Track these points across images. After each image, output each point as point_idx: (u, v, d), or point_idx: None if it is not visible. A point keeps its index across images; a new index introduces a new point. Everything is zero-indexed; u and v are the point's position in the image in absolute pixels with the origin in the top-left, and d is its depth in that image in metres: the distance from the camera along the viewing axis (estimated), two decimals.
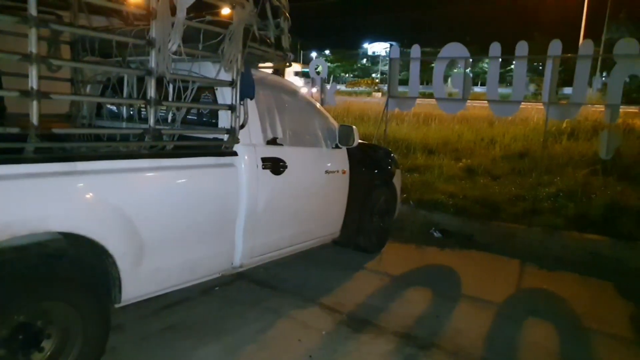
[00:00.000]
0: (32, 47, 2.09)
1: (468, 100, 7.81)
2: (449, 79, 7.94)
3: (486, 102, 7.40)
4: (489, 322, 3.57)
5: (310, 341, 3.13)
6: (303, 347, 3.05)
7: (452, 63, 7.83)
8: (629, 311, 3.95)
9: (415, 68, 7.96)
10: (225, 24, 2.94)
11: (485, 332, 3.40)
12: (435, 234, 5.67)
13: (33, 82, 2.11)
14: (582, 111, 8.61)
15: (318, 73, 9.01)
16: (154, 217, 2.69)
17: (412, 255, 5.04)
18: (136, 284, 2.66)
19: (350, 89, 43.14)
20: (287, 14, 3.48)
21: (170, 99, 3.03)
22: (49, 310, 2.31)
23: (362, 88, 40.17)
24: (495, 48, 7.16)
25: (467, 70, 7.81)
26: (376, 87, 41.83)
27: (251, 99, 3.22)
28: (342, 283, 4.12)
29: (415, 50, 7.93)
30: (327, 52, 59.53)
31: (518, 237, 5.45)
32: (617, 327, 3.63)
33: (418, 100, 9.63)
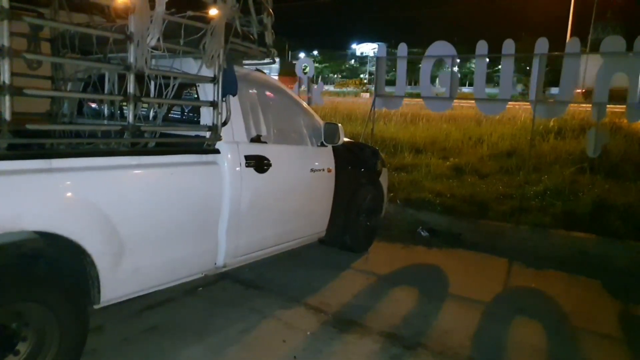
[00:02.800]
0: (4, 40, 2.02)
1: (455, 100, 7.82)
2: (437, 79, 7.96)
3: (474, 101, 7.41)
4: (476, 321, 3.55)
5: (295, 342, 3.08)
6: (287, 347, 3.00)
7: (439, 63, 7.82)
8: (616, 309, 3.97)
9: (402, 67, 7.96)
10: (206, 20, 2.88)
11: (472, 332, 3.38)
12: (422, 233, 5.65)
13: (5, 77, 2.04)
14: (570, 109, 8.67)
15: (305, 73, 8.97)
16: (133, 215, 2.63)
17: (399, 255, 5.01)
18: (116, 284, 2.59)
19: (338, 89, 43.18)
20: (271, 10, 3.43)
21: (151, 95, 2.98)
22: (24, 312, 2.24)
23: (350, 88, 40.21)
24: (482, 46, 7.18)
25: (455, 69, 7.80)
26: (364, 88, 41.90)
27: (233, 95, 3.16)
28: (328, 283, 4.08)
29: (402, 49, 7.93)
30: (315, 52, 59.54)
31: (506, 235, 5.45)
32: (604, 325, 3.63)
33: (406, 100, 9.63)
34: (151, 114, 3.21)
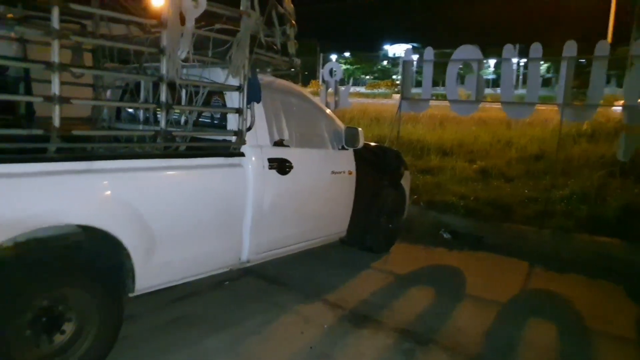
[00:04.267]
0: (55, 57, 2.29)
1: (482, 103, 7.86)
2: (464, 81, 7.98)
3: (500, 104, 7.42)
4: (490, 321, 3.65)
5: (312, 334, 3.27)
6: (305, 339, 3.20)
7: (468, 65, 7.82)
8: (636, 314, 3.97)
9: (428, 70, 8.05)
10: (233, 32, 3.11)
11: (485, 330, 3.48)
12: (444, 235, 5.74)
13: (55, 89, 2.31)
14: (605, 113, 8.52)
15: (332, 76, 9.15)
16: (164, 213, 2.88)
17: (420, 256, 5.13)
18: (148, 275, 2.84)
19: (369, 90, 43.10)
20: (293, 22, 3.63)
21: (182, 102, 3.23)
22: (68, 297, 2.51)
23: (382, 90, 40.08)
24: (509, 50, 7.19)
25: (490, 69, 7.82)
26: (396, 89, 41.69)
27: (257, 102, 3.38)
28: (347, 281, 4.25)
29: (429, 53, 8.02)
30: (347, 54, 59.59)
31: (528, 239, 5.49)
32: (622, 329, 3.66)
33: (435, 103, 9.68)
34: (182, 119, 3.50)
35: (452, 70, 7.78)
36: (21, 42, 3.66)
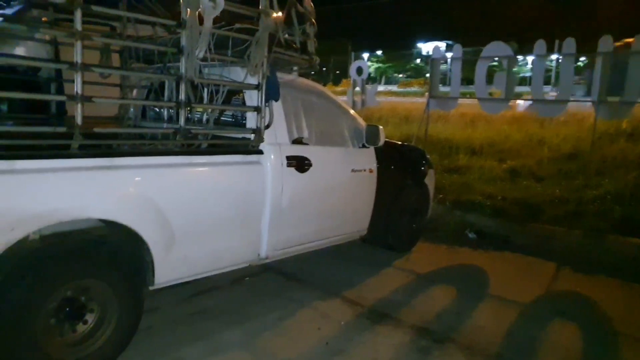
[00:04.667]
0: (77, 57, 2.39)
1: (513, 100, 7.69)
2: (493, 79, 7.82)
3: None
4: (510, 321, 3.58)
5: (329, 330, 3.29)
6: (321, 334, 3.22)
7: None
8: None
9: (456, 68, 7.93)
10: (251, 31, 3.16)
11: (504, 331, 3.42)
12: (469, 235, 5.66)
13: (78, 88, 2.41)
14: None
15: (359, 75, 9.14)
16: (184, 209, 2.95)
17: (443, 255, 5.07)
18: (168, 269, 2.93)
19: (402, 89, 42.71)
20: (313, 20, 3.66)
21: (204, 101, 3.31)
22: (91, 288, 2.61)
23: (415, 88, 39.64)
24: (540, 46, 7.02)
25: (519, 69, 7.64)
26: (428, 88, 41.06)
27: (276, 101, 3.42)
28: (367, 279, 4.25)
29: (457, 50, 7.90)
30: (379, 52, 59.21)
31: (556, 239, 5.35)
32: None
33: (464, 101, 9.52)
34: (204, 117, 3.58)
35: (482, 67, 7.65)
36: (52, 44, 3.83)
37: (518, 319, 3.62)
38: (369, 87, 9.48)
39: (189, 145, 3.21)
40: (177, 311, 3.46)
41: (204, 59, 2.85)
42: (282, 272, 4.24)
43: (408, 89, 40.22)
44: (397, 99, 23.16)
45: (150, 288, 2.93)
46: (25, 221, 2.30)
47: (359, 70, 9.29)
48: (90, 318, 2.63)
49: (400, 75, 62.89)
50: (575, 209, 5.75)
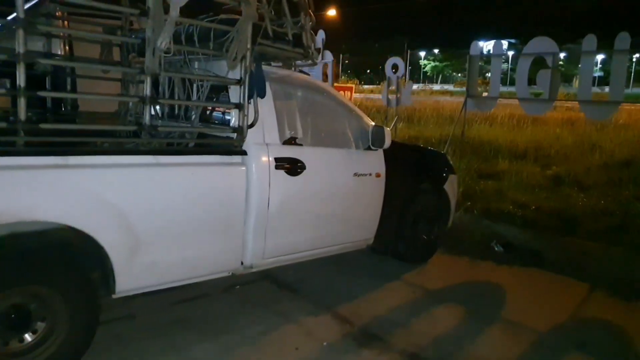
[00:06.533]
0: (20, 48, 2.23)
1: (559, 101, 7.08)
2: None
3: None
4: (518, 351, 3.14)
5: (308, 351, 3.00)
6: (298, 356, 2.94)
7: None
8: None
9: (496, 66, 7.39)
10: (233, 22, 2.92)
11: None
12: (496, 247, 5.15)
13: (20, 81, 2.25)
14: None
15: (395, 72, 8.74)
16: (150, 212, 2.74)
17: (461, 270, 4.63)
18: (131, 276, 2.73)
19: (459, 88, 41.54)
20: (310, 12, 3.37)
21: (192, 98, 3.11)
22: (41, 295, 2.46)
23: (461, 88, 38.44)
24: (589, 41, 6.37)
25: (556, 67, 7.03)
26: (488, 87, 39.61)
27: (262, 97, 3.16)
28: (368, 292, 3.91)
29: (498, 47, 7.36)
30: (436, 51, 57.78)
31: (593, 257, 4.75)
32: None
33: (506, 101, 8.89)
34: (191, 115, 3.37)
35: (524, 65, 7.07)
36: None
37: (528, 350, 3.17)
38: (404, 86, 9.04)
39: (168, 144, 3.03)
40: (155, 319, 3.27)
41: (167, 51, 2.62)
42: (277, 281, 3.98)
43: (460, 89, 39.02)
44: (443, 97, 22.38)
45: (113, 296, 2.75)
46: None
47: (395, 67, 8.89)
48: (40, 327, 2.48)
49: (459, 75, 61.22)
50: (620, 223, 5.11)
